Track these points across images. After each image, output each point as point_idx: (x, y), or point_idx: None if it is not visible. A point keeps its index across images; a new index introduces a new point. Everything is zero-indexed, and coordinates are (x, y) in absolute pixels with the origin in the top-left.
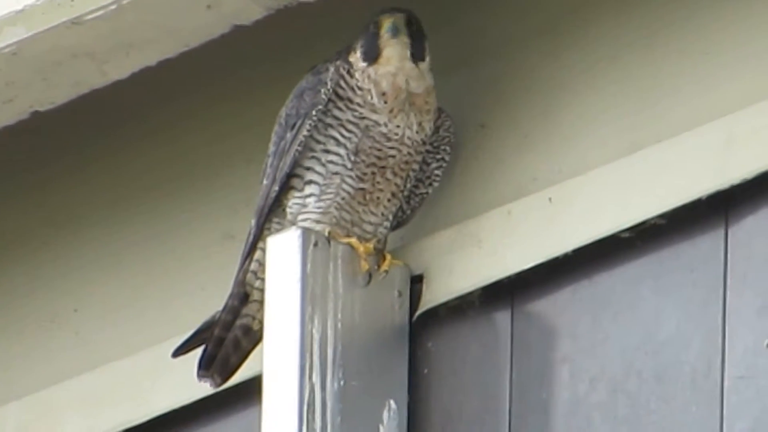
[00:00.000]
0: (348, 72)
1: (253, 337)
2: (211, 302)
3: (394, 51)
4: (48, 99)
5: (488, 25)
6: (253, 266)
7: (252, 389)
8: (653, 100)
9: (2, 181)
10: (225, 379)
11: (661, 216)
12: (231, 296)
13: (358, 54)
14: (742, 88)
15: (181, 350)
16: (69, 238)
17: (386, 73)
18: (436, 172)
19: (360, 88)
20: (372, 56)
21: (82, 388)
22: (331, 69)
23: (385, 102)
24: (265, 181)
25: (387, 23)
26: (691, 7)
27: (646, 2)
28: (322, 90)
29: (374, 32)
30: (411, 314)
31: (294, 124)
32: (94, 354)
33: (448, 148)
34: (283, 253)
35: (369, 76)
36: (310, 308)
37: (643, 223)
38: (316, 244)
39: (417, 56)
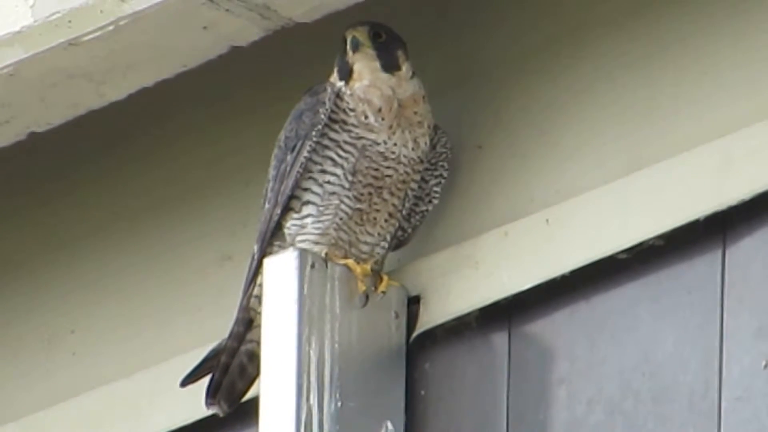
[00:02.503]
0: (338, 95)
1: (259, 362)
2: (209, 323)
3: (361, 65)
4: (45, 120)
5: (485, 45)
6: (257, 291)
7: (249, 410)
8: (651, 120)
9: None
10: (232, 406)
11: (659, 237)
12: (236, 322)
13: (335, 73)
14: (741, 109)
15: (188, 379)
16: (66, 259)
17: (367, 88)
18: (435, 189)
19: (353, 110)
20: (345, 74)
21: (79, 409)
22: (329, 89)
23: (383, 118)
24: (266, 205)
25: (348, 39)
26: (689, 28)
27: (644, 23)
28: (321, 110)
29: (343, 49)
30: (408, 335)
31: (294, 146)
32: (91, 375)
33: (445, 164)
34: (280, 275)
35: (359, 97)
36: (307, 329)
37: (641, 244)
38: (313, 266)
39: (389, 66)
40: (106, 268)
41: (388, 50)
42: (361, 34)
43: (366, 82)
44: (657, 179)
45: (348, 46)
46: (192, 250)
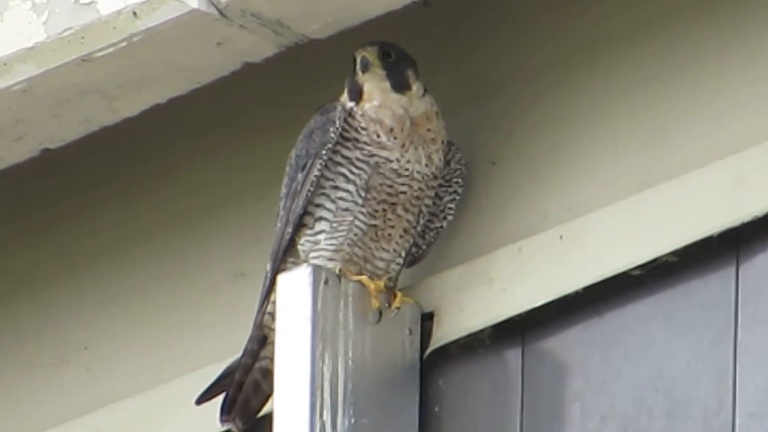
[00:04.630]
0: (350, 114)
1: (273, 379)
2: (223, 339)
3: (371, 86)
4: (58, 136)
5: (498, 62)
6: (270, 308)
7: (263, 427)
8: (664, 137)
9: (13, 218)
10: (247, 423)
11: (672, 254)
12: (250, 339)
13: (345, 94)
14: (754, 126)
15: (204, 397)
16: (80, 275)
17: (378, 108)
18: (450, 205)
19: (365, 129)
20: (355, 94)
21: (93, 425)
22: (339, 107)
23: (395, 138)
24: (278, 224)
25: (357, 59)
26: (703, 45)
27: (658, 39)
28: (331, 129)
29: (353, 69)
30: (422, 352)
31: (305, 165)
32: (104, 391)
33: (460, 180)
34: (294, 291)
35: (371, 117)
36: (321, 346)
37: (654, 260)
38: (326, 282)
39: (399, 86)
40: (120, 284)
41: (397, 70)
42: (370, 54)
43: (376, 102)
44: (670, 196)
45: (357, 67)
46: (205, 267)
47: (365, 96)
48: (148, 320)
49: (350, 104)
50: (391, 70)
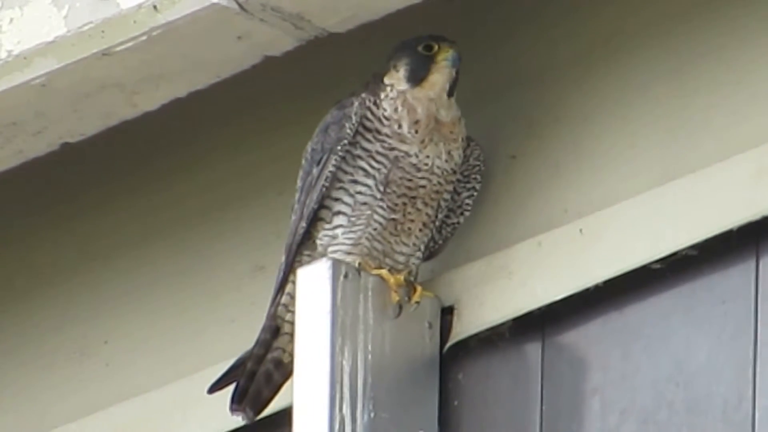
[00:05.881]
0: (375, 103)
1: (285, 370)
2: (242, 334)
3: (441, 78)
4: (78, 130)
5: (519, 56)
6: (284, 299)
7: (282, 421)
8: (685, 131)
9: (32, 213)
10: (257, 413)
11: (692, 247)
12: (263, 330)
13: (401, 73)
14: None
15: (216, 386)
16: (99, 269)
17: (422, 98)
18: (467, 201)
19: (387, 119)
20: (417, 77)
21: (112, 419)
22: (356, 103)
23: (416, 132)
24: (293, 217)
25: (451, 52)
26: (723, 39)
27: (679, 33)
28: (347, 124)
29: (427, 55)
30: (441, 346)
31: (320, 159)
32: (124, 386)
33: (478, 176)
34: (314, 285)
35: (404, 101)
36: (340, 340)
37: (674, 254)
38: (346, 276)
39: (452, 91)
40: (139, 278)
41: (457, 76)
42: (460, 53)
43: (432, 94)
44: (690, 189)
45: (448, 59)
46: (225, 261)
47: (426, 84)
48: (168, 314)
49: (404, 86)
50: (457, 75)
